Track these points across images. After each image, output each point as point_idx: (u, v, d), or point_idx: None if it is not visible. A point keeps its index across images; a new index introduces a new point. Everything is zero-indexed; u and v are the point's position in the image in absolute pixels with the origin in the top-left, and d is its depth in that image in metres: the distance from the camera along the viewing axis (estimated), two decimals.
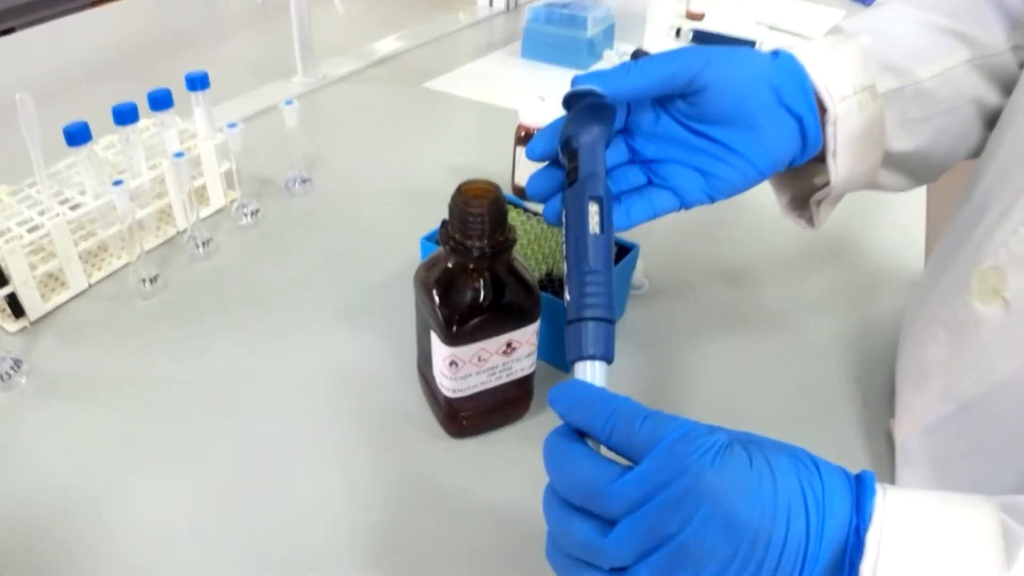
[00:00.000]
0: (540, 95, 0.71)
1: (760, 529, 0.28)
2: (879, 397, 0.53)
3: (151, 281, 0.60)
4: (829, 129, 0.42)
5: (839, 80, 0.42)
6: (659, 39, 1.14)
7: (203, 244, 0.64)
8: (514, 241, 0.44)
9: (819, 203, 0.47)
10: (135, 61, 1.02)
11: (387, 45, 1.09)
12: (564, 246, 0.38)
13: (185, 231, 0.66)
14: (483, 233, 0.42)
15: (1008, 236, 0.39)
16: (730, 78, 0.41)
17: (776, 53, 0.44)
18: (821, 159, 0.44)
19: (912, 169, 0.47)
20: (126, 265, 0.62)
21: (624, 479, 0.29)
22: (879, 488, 0.29)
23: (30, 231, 0.56)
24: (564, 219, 0.39)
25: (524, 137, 0.71)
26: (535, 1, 1.13)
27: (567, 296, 0.37)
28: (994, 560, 0.27)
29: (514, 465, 0.48)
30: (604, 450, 0.32)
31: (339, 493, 0.46)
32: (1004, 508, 0.28)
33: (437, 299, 0.44)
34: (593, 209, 0.38)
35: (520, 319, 0.45)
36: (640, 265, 0.63)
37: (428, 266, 0.46)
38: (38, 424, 0.49)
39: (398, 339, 0.55)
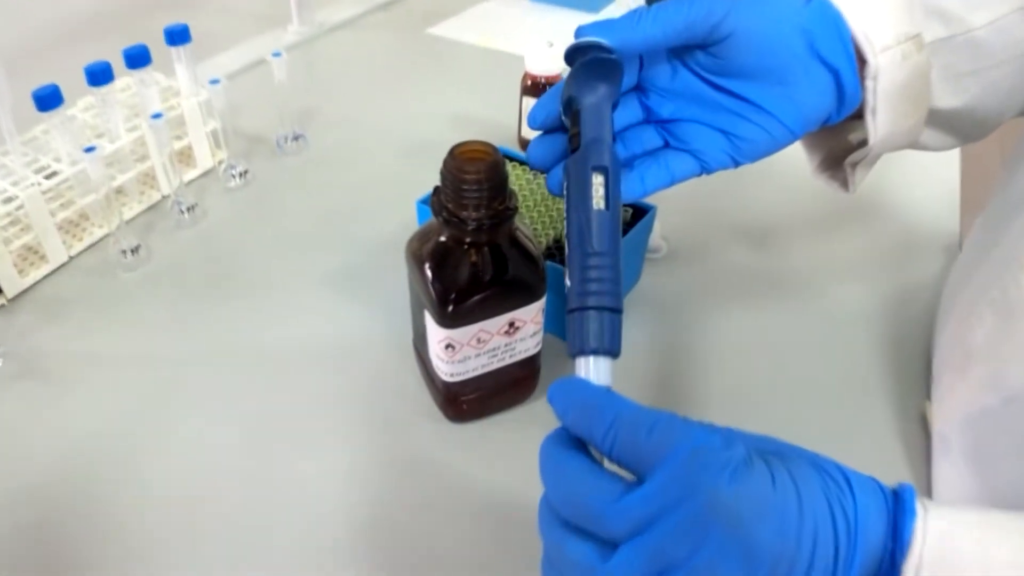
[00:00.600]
0: (548, 41, 0.66)
1: (782, 556, 0.25)
2: (914, 374, 0.49)
3: (132, 252, 0.56)
4: (868, 83, 0.37)
5: (881, 28, 0.37)
6: None
7: (188, 210, 0.60)
8: (515, 210, 0.40)
9: (854, 165, 0.42)
10: (123, 17, 0.97)
11: None
12: (566, 223, 0.34)
13: (169, 196, 0.63)
14: (480, 203, 0.38)
15: None
16: (757, 26, 0.36)
17: None
18: (858, 116, 0.39)
19: (958, 127, 0.42)
20: (108, 234, 0.59)
21: (628, 499, 0.26)
22: (919, 508, 0.26)
23: (4, 203, 0.53)
24: (566, 191, 0.35)
25: (530, 86, 0.66)
26: None
27: (567, 281, 0.33)
28: None
29: (519, 450, 0.44)
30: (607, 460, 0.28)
31: (331, 479, 0.43)
32: None
33: (430, 275, 0.40)
34: (597, 181, 0.33)
35: (524, 296, 0.41)
36: (657, 227, 0.59)
37: (421, 237, 0.42)
38: (17, 408, 0.47)
39: (396, 311, 0.52)
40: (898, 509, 0.26)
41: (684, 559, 0.25)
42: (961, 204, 0.65)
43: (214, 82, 0.60)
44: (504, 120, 0.71)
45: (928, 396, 0.46)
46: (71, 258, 0.58)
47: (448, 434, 0.46)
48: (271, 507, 0.42)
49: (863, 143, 0.41)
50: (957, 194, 0.66)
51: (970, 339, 0.41)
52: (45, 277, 0.56)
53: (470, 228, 0.38)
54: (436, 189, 0.39)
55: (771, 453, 0.27)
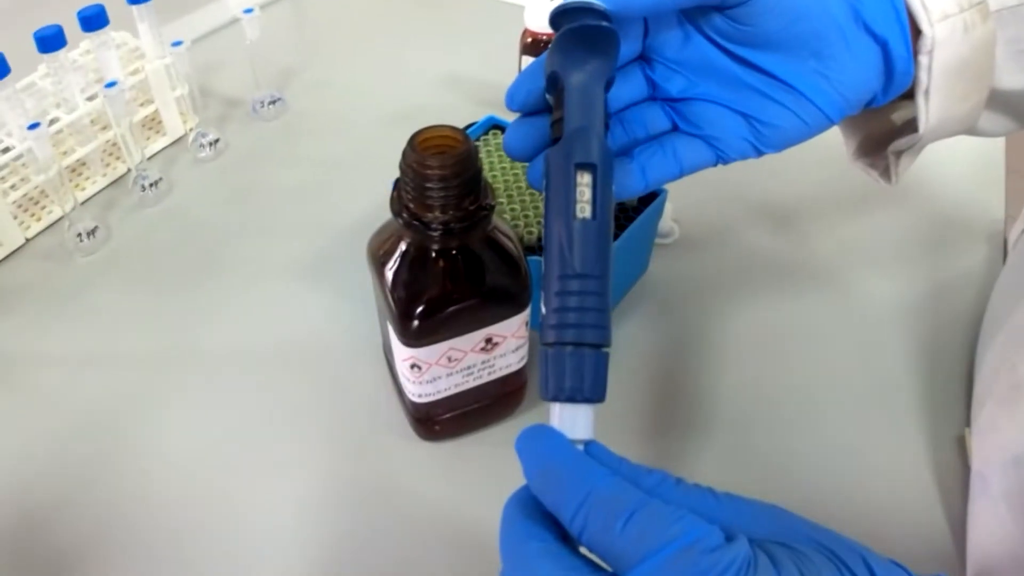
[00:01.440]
0: None
1: None
2: (951, 385, 0.43)
3: (89, 235, 0.51)
4: (922, 59, 0.30)
5: None
6: None
7: (151, 185, 0.55)
8: (492, 209, 0.34)
9: (899, 153, 0.35)
10: None
11: None
12: (543, 232, 0.28)
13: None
14: (448, 203, 0.32)
15: None
16: None
17: None
18: (907, 95, 0.32)
19: (1021, 110, 0.35)
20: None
21: None
22: None
23: None
24: (544, 191, 0.29)
25: (530, 44, 0.59)
26: None
27: (542, 308, 0.27)
28: None
29: (502, 472, 0.39)
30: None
31: (292, 504, 0.39)
32: None
33: (390, 284, 0.34)
34: (583, 181, 0.27)
35: (504, 308, 0.35)
36: (668, 208, 0.52)
37: (381, 237, 0.36)
38: None
39: (372, 307, 0.46)
40: None
41: None
42: (1006, 184, 0.57)
43: (176, 44, 0.54)
44: (503, 81, 0.63)
45: (967, 422, 0.40)
46: (28, 240, 0.53)
47: (422, 452, 0.41)
48: (222, 536, 0.38)
49: (909, 124, 0.34)
50: (1001, 170, 0.58)
51: (1021, 368, 0.34)
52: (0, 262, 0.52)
53: (435, 233, 0.32)
54: (396, 184, 0.33)
55: (780, 544, 0.22)
